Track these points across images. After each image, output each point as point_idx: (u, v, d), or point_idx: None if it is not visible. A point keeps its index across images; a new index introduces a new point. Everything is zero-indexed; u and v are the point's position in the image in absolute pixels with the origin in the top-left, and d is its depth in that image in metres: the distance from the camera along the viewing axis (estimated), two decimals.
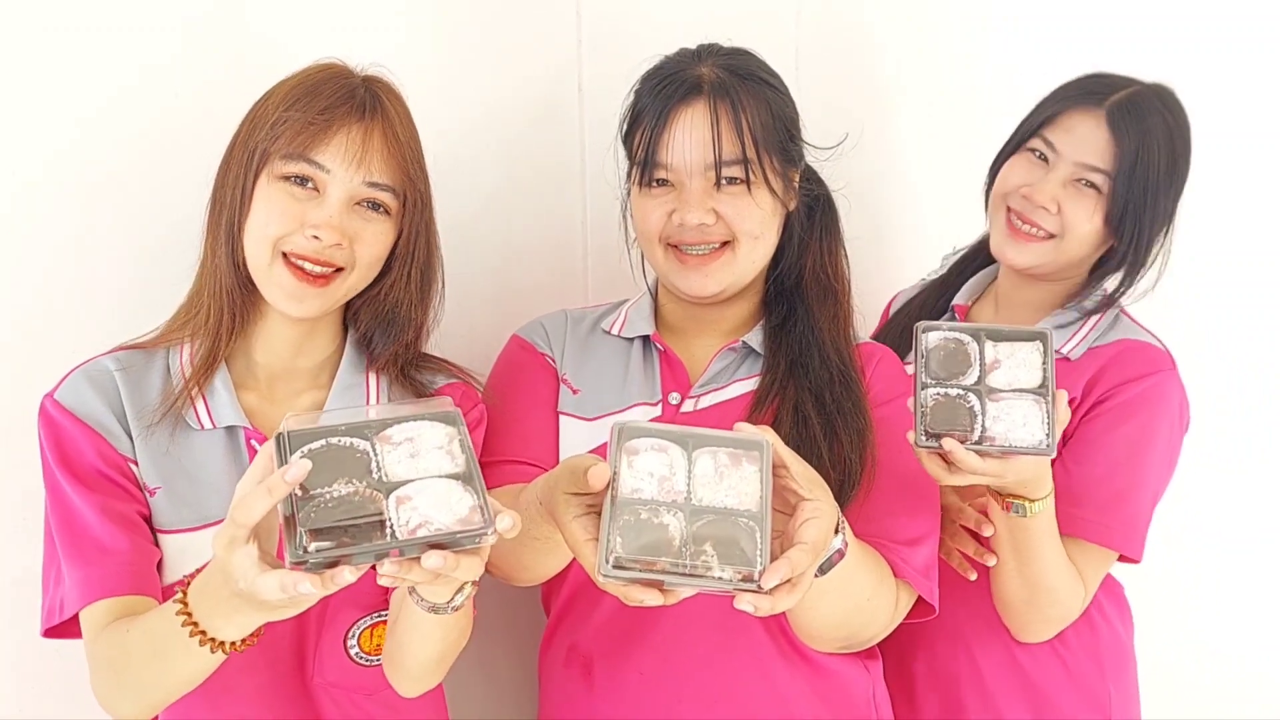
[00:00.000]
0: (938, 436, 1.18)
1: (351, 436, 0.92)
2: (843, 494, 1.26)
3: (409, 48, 1.53)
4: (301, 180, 1.16)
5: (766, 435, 1.00)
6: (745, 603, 0.92)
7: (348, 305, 1.28)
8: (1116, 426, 1.43)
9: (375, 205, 1.19)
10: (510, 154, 1.66)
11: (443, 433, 0.94)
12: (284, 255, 1.17)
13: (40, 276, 1.36)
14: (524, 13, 1.65)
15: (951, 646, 1.52)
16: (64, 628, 1.16)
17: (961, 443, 1.17)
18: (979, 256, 1.64)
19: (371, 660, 1.25)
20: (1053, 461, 1.40)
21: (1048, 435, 1.18)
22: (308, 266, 1.17)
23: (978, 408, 1.19)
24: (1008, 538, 1.36)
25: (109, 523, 1.15)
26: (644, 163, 1.32)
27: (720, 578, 0.91)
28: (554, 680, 1.39)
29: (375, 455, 0.91)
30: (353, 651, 1.25)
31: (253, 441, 1.21)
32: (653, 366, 1.39)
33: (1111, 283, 1.51)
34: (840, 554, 1.11)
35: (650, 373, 1.39)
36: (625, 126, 1.38)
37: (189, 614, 0.99)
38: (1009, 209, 1.48)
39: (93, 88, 1.36)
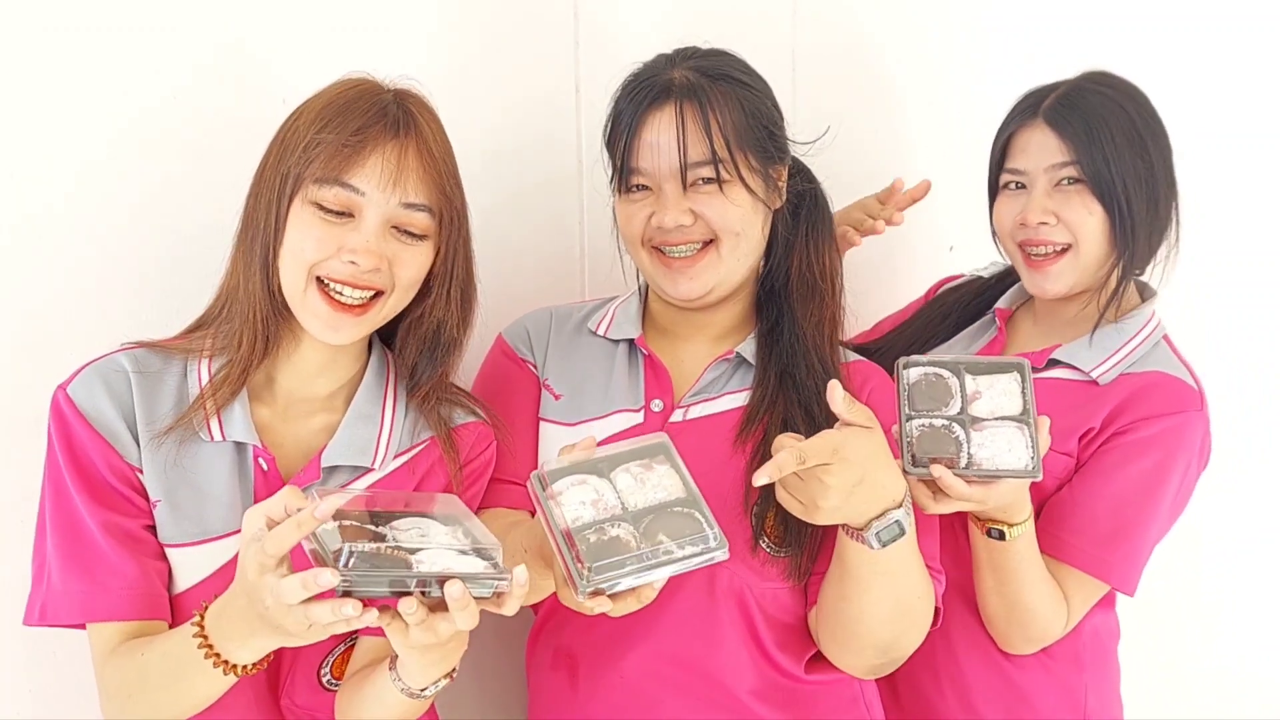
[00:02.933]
0: (925, 465, 1.20)
1: (368, 524, 0.99)
2: None
3: (405, 52, 1.52)
4: (338, 213, 1.13)
5: (661, 437, 1.13)
6: (763, 474, 1.06)
7: (378, 330, 1.24)
8: (1130, 462, 1.41)
9: (411, 232, 1.16)
10: (507, 159, 1.65)
11: (445, 530, 1.02)
12: (318, 280, 1.14)
13: (51, 279, 1.35)
14: (521, 17, 1.65)
15: (931, 644, 1.51)
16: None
17: (949, 468, 1.19)
18: None
19: (340, 685, 1.24)
20: (1059, 486, 1.42)
21: (1032, 459, 1.21)
22: (346, 293, 1.14)
23: (963, 436, 1.21)
24: (987, 560, 1.38)
25: (116, 543, 1.13)
26: (622, 169, 1.33)
27: (685, 555, 1.04)
28: (541, 681, 1.39)
29: (389, 534, 0.99)
30: (325, 679, 1.24)
31: (260, 460, 1.18)
32: (637, 372, 1.38)
33: (1142, 272, 1.50)
34: (900, 528, 1.14)
35: (634, 378, 1.38)
36: (607, 133, 1.38)
37: (205, 637, 1.03)
38: (1020, 245, 1.49)
39: (119, 95, 1.36)
